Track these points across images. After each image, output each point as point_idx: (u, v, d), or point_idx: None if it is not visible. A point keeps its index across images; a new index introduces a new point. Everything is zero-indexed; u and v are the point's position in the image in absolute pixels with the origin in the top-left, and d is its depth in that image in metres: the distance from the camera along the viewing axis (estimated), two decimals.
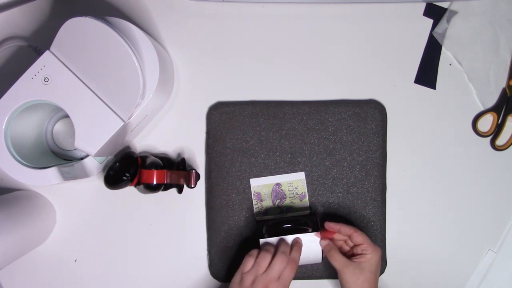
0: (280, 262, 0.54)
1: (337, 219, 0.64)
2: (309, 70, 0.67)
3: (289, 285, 0.54)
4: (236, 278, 0.55)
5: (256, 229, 0.63)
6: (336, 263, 0.56)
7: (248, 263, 0.55)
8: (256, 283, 0.53)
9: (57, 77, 0.54)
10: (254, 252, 0.56)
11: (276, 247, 0.56)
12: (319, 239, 0.58)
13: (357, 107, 0.65)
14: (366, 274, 0.55)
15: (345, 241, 0.59)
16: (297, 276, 0.63)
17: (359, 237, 0.56)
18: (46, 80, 0.54)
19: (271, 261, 0.54)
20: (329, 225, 0.58)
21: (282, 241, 0.57)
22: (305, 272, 0.64)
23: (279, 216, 0.64)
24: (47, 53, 0.54)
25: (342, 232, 0.58)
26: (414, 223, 0.66)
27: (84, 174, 0.59)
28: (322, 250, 0.58)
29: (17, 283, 0.65)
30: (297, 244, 0.57)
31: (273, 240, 0.58)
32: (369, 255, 0.55)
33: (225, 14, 0.67)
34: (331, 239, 0.59)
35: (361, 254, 0.56)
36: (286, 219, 0.61)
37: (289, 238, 0.58)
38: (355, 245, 0.58)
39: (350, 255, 0.57)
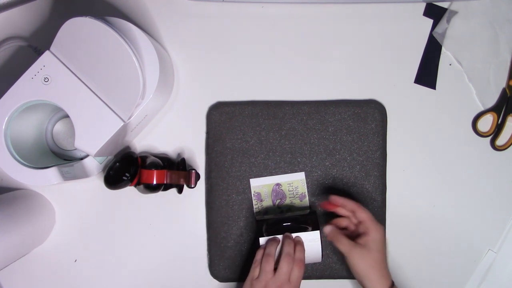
0: (287, 264, 0.54)
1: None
2: (309, 70, 0.67)
3: (299, 286, 0.55)
4: (246, 285, 0.55)
5: (256, 228, 0.63)
6: (342, 247, 0.56)
7: (256, 269, 0.56)
8: None
9: (57, 77, 0.54)
10: (259, 256, 0.57)
11: (280, 247, 0.57)
12: (319, 237, 0.58)
13: (357, 107, 0.65)
14: (373, 254, 0.54)
15: (350, 219, 0.59)
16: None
17: (362, 213, 0.56)
18: (46, 80, 0.54)
19: (277, 264, 0.55)
20: (333, 198, 0.58)
21: (285, 240, 0.57)
22: (305, 272, 0.63)
23: (279, 216, 0.64)
24: (47, 53, 0.54)
25: (346, 207, 0.58)
26: (414, 223, 0.66)
27: (84, 174, 0.59)
28: (322, 249, 0.58)
29: (17, 283, 0.65)
30: (299, 243, 0.57)
31: (273, 237, 0.58)
32: (373, 233, 0.55)
33: (225, 14, 0.67)
34: (334, 213, 0.59)
35: (364, 233, 0.56)
36: (286, 218, 0.61)
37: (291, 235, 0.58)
38: (358, 223, 0.57)
39: (355, 236, 0.57)
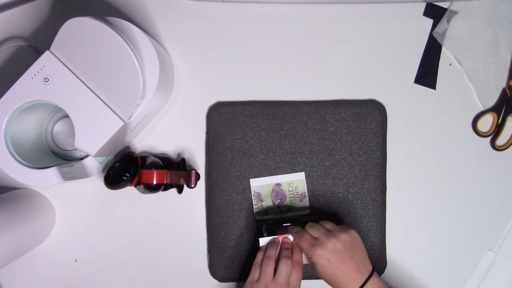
0: (285, 267, 0.54)
1: (337, 219, 0.64)
2: (309, 70, 0.67)
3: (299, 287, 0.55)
4: None
5: (256, 228, 0.63)
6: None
7: (256, 271, 0.56)
8: None
9: (57, 77, 0.54)
10: (259, 258, 0.57)
11: (279, 250, 0.57)
12: None
13: (357, 107, 0.65)
14: (327, 269, 0.53)
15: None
16: None
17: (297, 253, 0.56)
18: (46, 80, 0.54)
19: (276, 267, 0.55)
20: (290, 229, 0.58)
21: (283, 243, 0.57)
22: (305, 272, 0.64)
23: (279, 216, 0.64)
24: (47, 53, 0.54)
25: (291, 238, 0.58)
26: (414, 223, 0.66)
27: (84, 174, 0.59)
28: None
29: (17, 283, 0.65)
30: (296, 245, 0.57)
31: (273, 238, 0.58)
32: (315, 262, 0.53)
33: (225, 14, 0.67)
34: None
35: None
36: (286, 218, 0.61)
37: (289, 237, 0.58)
38: None
39: None
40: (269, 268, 0.55)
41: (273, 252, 0.56)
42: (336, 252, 0.52)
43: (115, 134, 0.55)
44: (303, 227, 0.58)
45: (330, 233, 0.54)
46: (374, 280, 0.53)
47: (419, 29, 0.67)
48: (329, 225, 0.56)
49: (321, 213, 0.64)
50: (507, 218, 0.66)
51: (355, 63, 0.67)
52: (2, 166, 0.56)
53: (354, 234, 0.54)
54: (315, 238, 0.54)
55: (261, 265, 0.55)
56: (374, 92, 0.67)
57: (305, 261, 0.58)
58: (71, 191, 0.66)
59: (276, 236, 0.59)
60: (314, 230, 0.55)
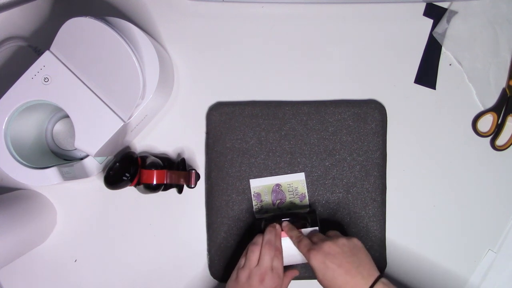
0: (268, 251, 0.54)
1: (337, 220, 0.64)
2: (309, 70, 0.67)
3: (282, 274, 0.54)
4: (233, 275, 0.55)
5: (256, 225, 0.63)
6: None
7: (243, 259, 0.56)
8: (251, 278, 0.53)
9: (57, 77, 0.54)
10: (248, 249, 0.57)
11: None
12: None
13: (357, 107, 0.65)
14: (324, 274, 0.52)
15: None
16: (297, 276, 0.63)
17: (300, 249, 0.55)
18: (46, 80, 0.54)
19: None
20: (285, 226, 0.58)
21: (267, 229, 0.57)
22: (305, 272, 0.64)
23: (278, 212, 0.64)
24: (47, 53, 0.54)
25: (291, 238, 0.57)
26: (414, 223, 0.66)
27: (84, 174, 0.59)
28: None
29: (17, 283, 0.65)
30: (276, 231, 0.57)
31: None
32: (311, 263, 0.53)
33: (225, 14, 0.67)
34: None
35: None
36: (285, 214, 0.61)
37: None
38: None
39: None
40: (254, 254, 0.54)
41: (259, 240, 0.56)
42: (331, 255, 0.51)
43: (115, 134, 0.55)
44: (301, 224, 0.59)
45: (328, 238, 0.54)
46: (380, 286, 0.50)
47: (419, 29, 0.67)
48: (331, 233, 0.56)
49: (320, 213, 0.64)
50: (507, 218, 0.66)
51: (355, 63, 0.67)
52: (2, 166, 0.56)
53: (355, 241, 0.54)
54: (314, 243, 0.54)
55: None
56: (374, 92, 0.67)
57: (302, 260, 0.57)
58: (71, 191, 0.66)
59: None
60: (314, 237, 0.55)
